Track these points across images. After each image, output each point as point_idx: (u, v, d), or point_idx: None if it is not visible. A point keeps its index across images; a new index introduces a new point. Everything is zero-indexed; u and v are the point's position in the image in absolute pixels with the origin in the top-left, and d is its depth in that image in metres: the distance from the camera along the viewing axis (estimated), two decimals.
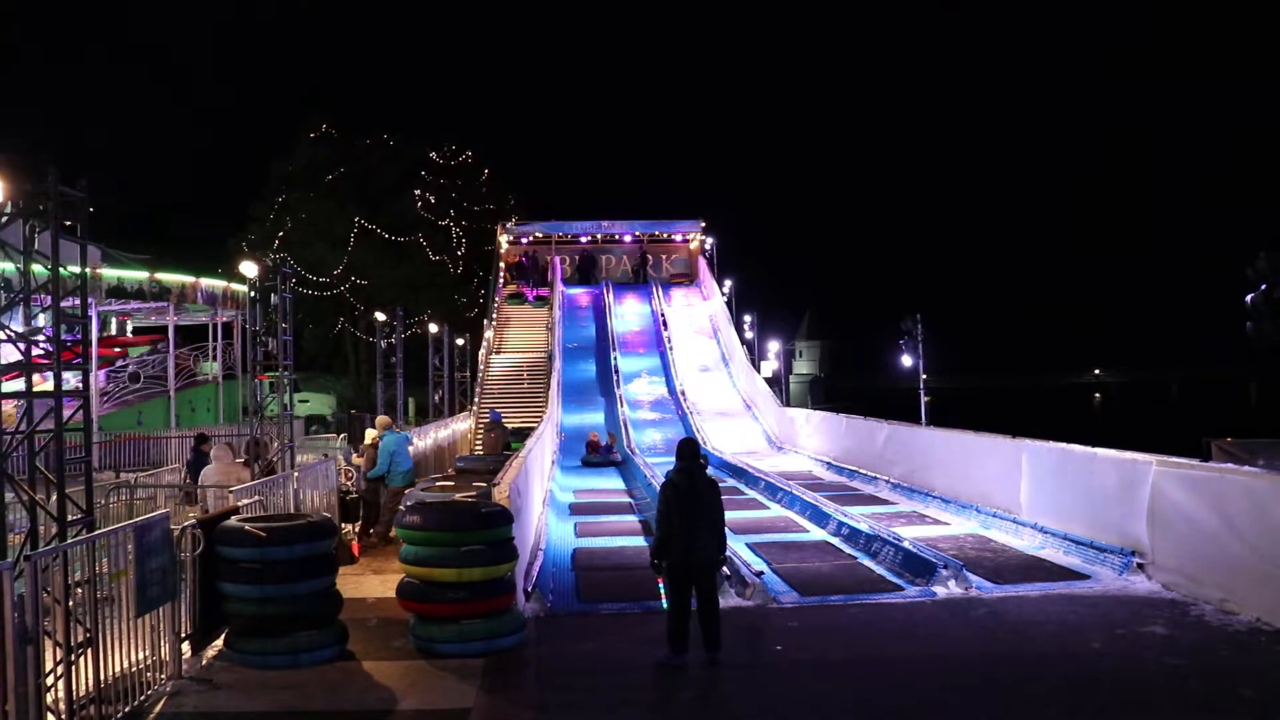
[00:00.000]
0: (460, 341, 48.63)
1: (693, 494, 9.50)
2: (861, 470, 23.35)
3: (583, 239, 53.38)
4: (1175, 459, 12.33)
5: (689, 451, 9.75)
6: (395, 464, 16.85)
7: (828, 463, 26.12)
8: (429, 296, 60.63)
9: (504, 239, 53.25)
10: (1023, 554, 14.09)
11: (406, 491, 15.74)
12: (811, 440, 29.42)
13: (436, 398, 41.97)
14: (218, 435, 24.34)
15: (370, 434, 18.75)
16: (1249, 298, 13.09)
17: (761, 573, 12.83)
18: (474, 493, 11.86)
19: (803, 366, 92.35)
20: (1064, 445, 15.18)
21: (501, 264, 52.08)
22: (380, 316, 37.38)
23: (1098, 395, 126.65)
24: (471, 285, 69.44)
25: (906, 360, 26.62)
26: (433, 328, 42.20)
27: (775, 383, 57.88)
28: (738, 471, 24.68)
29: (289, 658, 9.47)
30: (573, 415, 36.23)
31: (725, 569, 12.26)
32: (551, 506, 19.95)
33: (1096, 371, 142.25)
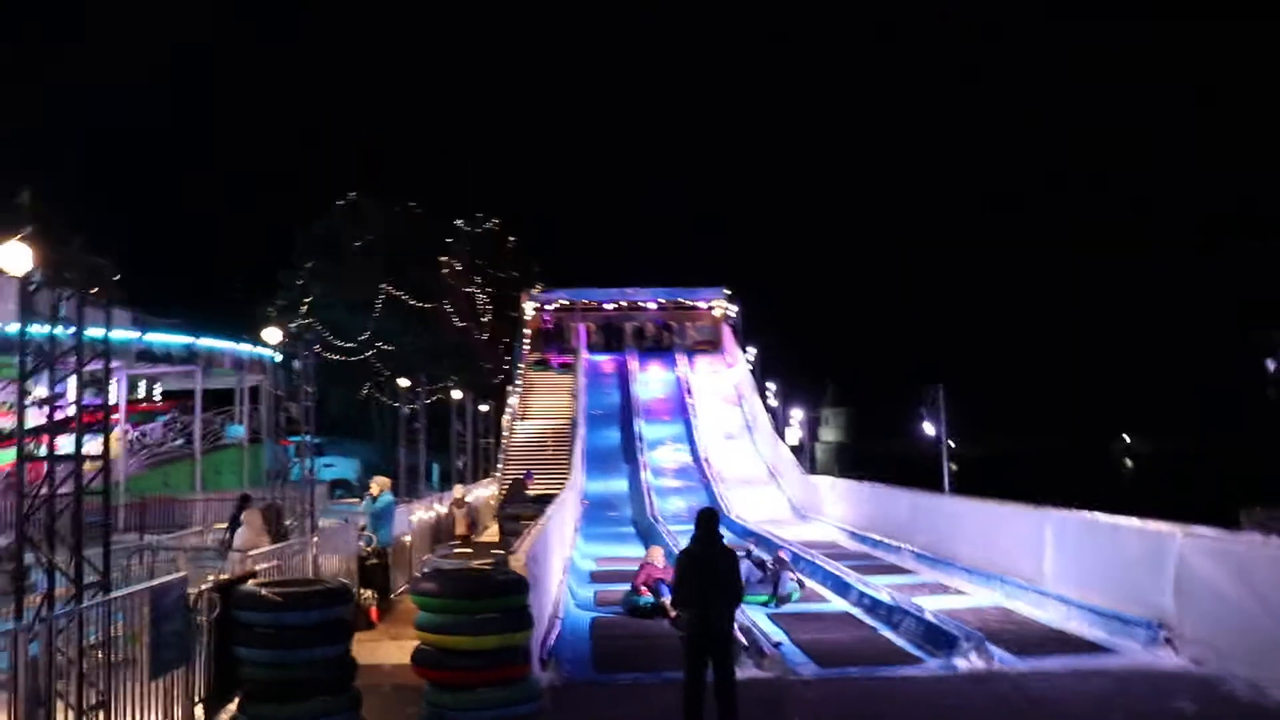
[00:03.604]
0: (484, 408, 48.72)
1: (709, 564, 9.46)
2: (884, 539, 23.14)
3: (607, 306, 53.72)
4: (1201, 529, 12.18)
5: (707, 521, 9.72)
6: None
7: (851, 531, 25.92)
8: (453, 363, 60.89)
9: (529, 306, 53.65)
10: (1046, 626, 13.90)
11: (424, 559, 15.74)
12: (835, 508, 29.24)
13: (460, 464, 41.95)
14: (260, 496, 24.42)
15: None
16: (1271, 364, 13.02)
17: (779, 643, 12.72)
18: (491, 560, 11.84)
19: (828, 434, 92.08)
20: (1088, 514, 15.03)
21: (526, 331, 52.43)
22: (404, 382, 37.54)
23: (1128, 460, 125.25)
24: (496, 352, 69.78)
25: (929, 429, 26.49)
26: (456, 394, 42.33)
27: (800, 450, 57.73)
28: (759, 540, 24.51)
29: None
30: (597, 482, 36.21)
31: (743, 639, 12.19)
32: (572, 574, 19.88)
33: (1125, 437, 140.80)
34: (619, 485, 36.19)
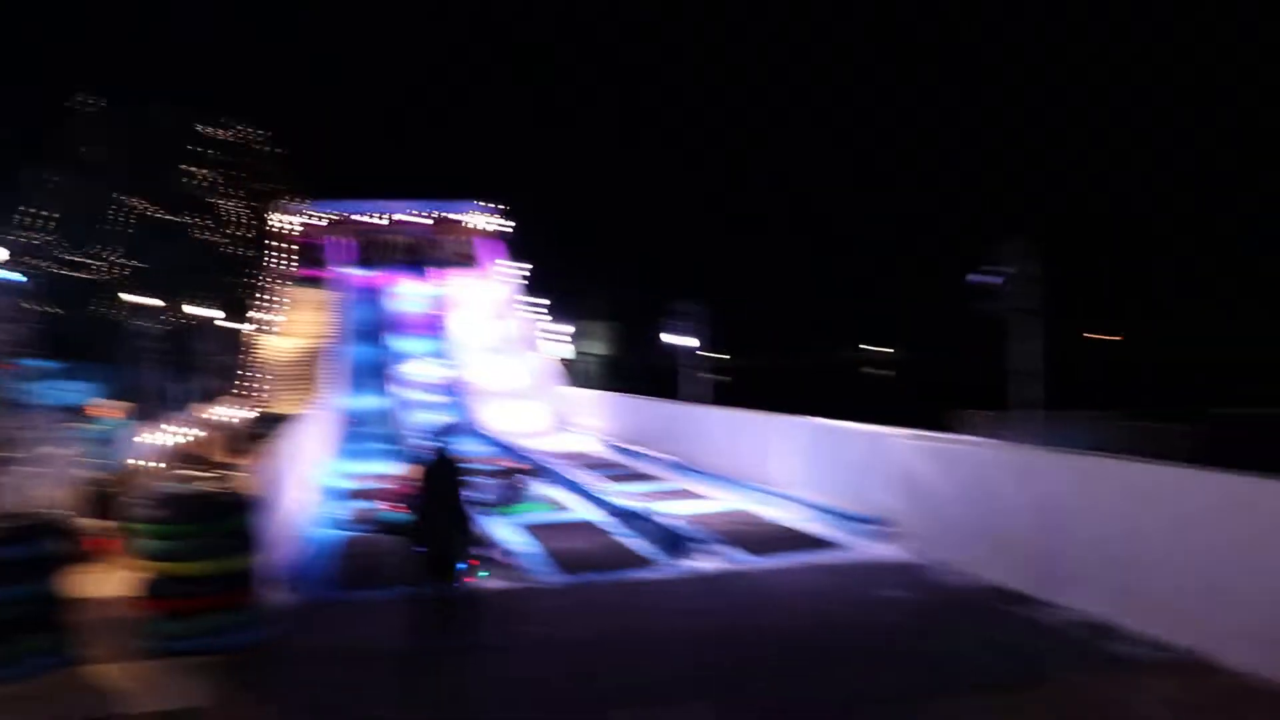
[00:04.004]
0: (239, 326, 46.85)
1: (443, 480, 9.42)
2: (638, 448, 23.68)
3: (368, 220, 52.22)
4: (918, 432, 12.96)
5: (441, 434, 9.65)
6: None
7: (608, 442, 26.40)
8: (205, 279, 58.20)
9: (286, 219, 51.59)
10: (781, 526, 14.56)
11: (152, 484, 15.06)
12: (591, 420, 29.70)
13: (210, 385, 40.28)
14: None
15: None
16: (982, 277, 13.98)
17: (524, 553, 12.85)
18: (221, 481, 11.45)
19: (595, 347, 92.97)
20: (821, 420, 15.77)
21: (283, 245, 50.50)
22: (143, 300, 35.62)
23: (872, 370, 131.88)
24: (253, 268, 66.97)
25: (687, 341, 27.11)
26: (207, 311, 40.48)
27: (568, 364, 58.11)
28: (513, 453, 24.63)
29: (10, 668, 8.89)
30: (356, 398, 35.45)
31: (486, 551, 12.25)
32: (325, 493, 19.48)
33: (870, 348, 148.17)
34: (377, 402, 35.57)
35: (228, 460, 17.40)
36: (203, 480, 12.44)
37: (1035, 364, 14.46)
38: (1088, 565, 9.53)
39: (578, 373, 51.27)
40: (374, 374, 38.46)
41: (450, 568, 9.33)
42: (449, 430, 9.82)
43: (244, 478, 11.23)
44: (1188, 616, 8.36)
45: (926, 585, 10.96)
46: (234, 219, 70.14)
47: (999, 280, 14.47)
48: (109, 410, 16.93)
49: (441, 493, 9.35)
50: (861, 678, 8.19)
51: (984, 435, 15.22)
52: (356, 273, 48.33)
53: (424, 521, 9.39)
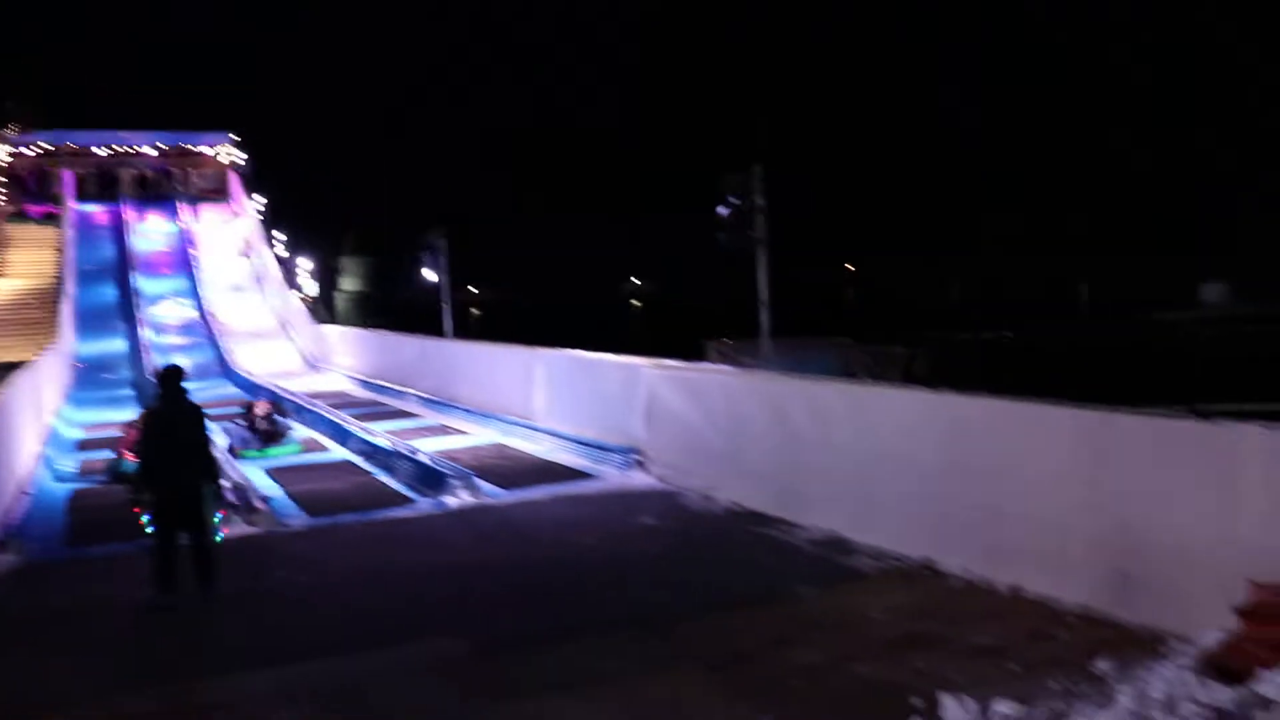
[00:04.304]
0: None
1: (174, 425, 8.98)
2: (393, 385, 23.33)
3: (99, 151, 48.86)
4: (667, 362, 13.21)
5: (169, 379, 9.17)
6: None
7: (361, 380, 25.89)
8: None
9: (2, 150, 47.65)
10: (537, 459, 14.67)
11: None
12: (346, 358, 29.04)
13: None
14: None
15: None
16: (720, 209, 14.42)
17: (270, 498, 12.49)
18: None
19: (348, 283, 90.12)
20: (573, 352, 15.90)
21: (2, 178, 46.69)
22: None
23: (635, 303, 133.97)
24: None
25: (430, 275, 26.73)
26: None
27: (318, 301, 56.33)
28: (265, 394, 23.82)
29: None
30: (91, 343, 33.40)
31: (233, 497, 11.83)
32: (54, 444, 18.34)
33: (636, 281, 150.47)
34: (117, 345, 33.62)
35: None
36: None
37: (764, 293, 15.01)
38: (825, 485, 10.00)
39: (332, 310, 49.87)
40: (112, 316, 36.33)
41: (187, 515, 8.93)
42: (176, 372, 9.29)
43: None
44: (916, 529, 8.90)
45: (676, 511, 11.27)
46: None
47: (726, 212, 14.92)
48: None
49: (178, 437, 8.92)
50: (614, 602, 8.37)
51: (728, 363, 15.70)
52: (90, 208, 45.30)
53: (148, 468, 8.95)
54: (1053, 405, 7.87)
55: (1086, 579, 7.36)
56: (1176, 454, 6.91)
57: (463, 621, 8.03)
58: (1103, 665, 6.07)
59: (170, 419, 8.97)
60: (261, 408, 16.70)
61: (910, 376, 18.92)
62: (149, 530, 8.92)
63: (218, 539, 9.16)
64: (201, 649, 7.93)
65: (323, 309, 44.87)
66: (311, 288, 48.48)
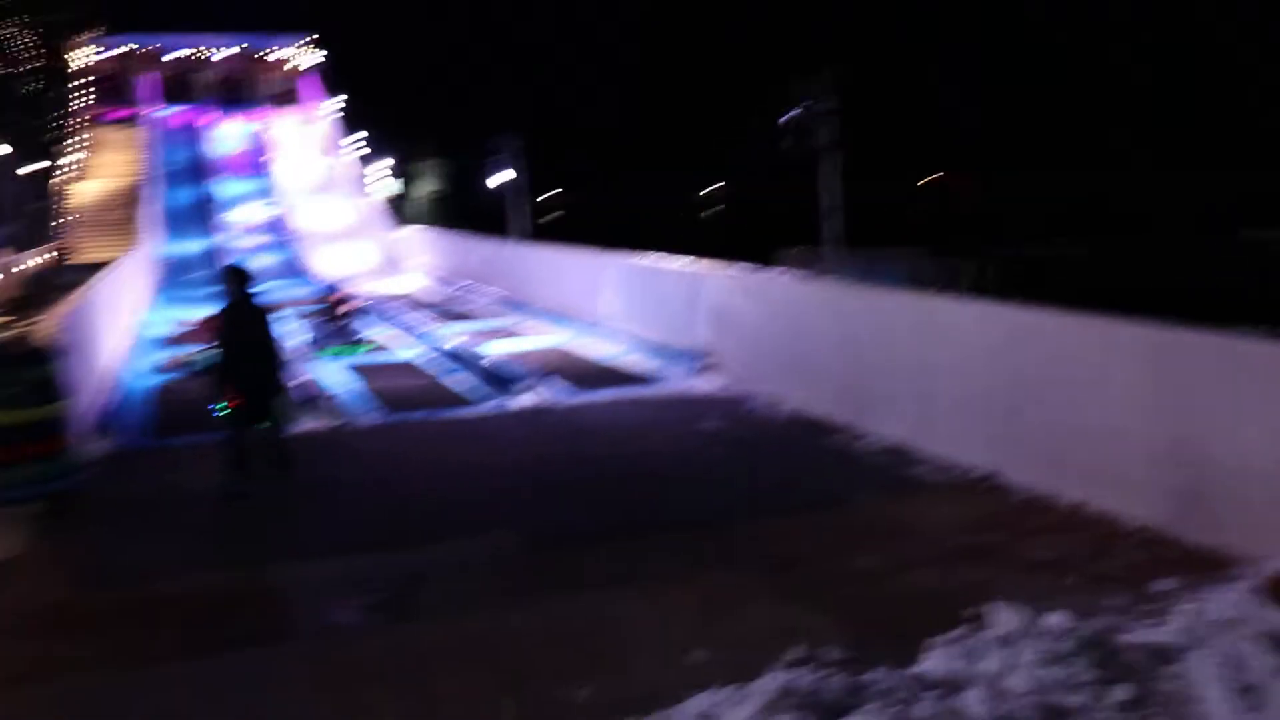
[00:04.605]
0: (36, 168, 44.11)
1: (242, 320, 9.21)
2: (468, 287, 23.58)
3: (177, 54, 49.32)
4: (732, 266, 13.16)
5: (234, 275, 9.37)
6: None
7: (438, 280, 26.18)
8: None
9: (85, 53, 48.32)
10: (605, 362, 14.81)
11: None
12: (423, 259, 29.36)
13: (16, 232, 38.05)
14: None
15: None
16: (783, 119, 14.18)
17: (343, 394, 12.77)
18: (19, 331, 10.96)
19: (428, 185, 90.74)
20: (641, 257, 15.90)
21: (83, 83, 47.41)
22: None
23: (707, 209, 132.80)
24: (47, 105, 62.67)
25: (511, 177, 26.75)
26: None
27: (401, 201, 56.74)
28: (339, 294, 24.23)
29: None
30: (174, 243, 34.12)
31: (305, 392, 12.16)
32: (142, 339, 18.94)
33: (712, 188, 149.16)
34: (197, 246, 34.30)
35: (30, 309, 16.60)
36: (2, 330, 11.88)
37: (836, 200, 14.77)
38: (890, 394, 9.96)
39: (409, 212, 50.24)
40: (193, 217, 37.00)
41: (262, 408, 9.21)
42: (239, 271, 9.49)
43: (47, 327, 10.78)
44: (979, 441, 8.85)
45: (740, 416, 11.31)
46: (26, 52, 65.06)
47: (796, 114, 14.63)
48: None
49: (249, 333, 9.15)
50: (673, 503, 8.50)
51: (797, 270, 15.62)
52: (169, 111, 45.89)
53: (221, 363, 9.21)
54: (1119, 320, 7.73)
55: (1150, 498, 7.28)
56: (1245, 374, 6.76)
57: (521, 517, 8.20)
58: (1162, 585, 6.04)
59: (238, 316, 9.18)
60: (340, 304, 17.00)
61: (979, 289, 18.68)
62: (223, 422, 9.23)
63: (287, 431, 9.45)
64: (273, 535, 8.23)
65: (402, 210, 45.25)
66: (391, 189, 48.83)
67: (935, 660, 4.52)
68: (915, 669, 4.57)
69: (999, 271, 20.32)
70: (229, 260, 30.97)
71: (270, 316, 9.42)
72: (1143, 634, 4.83)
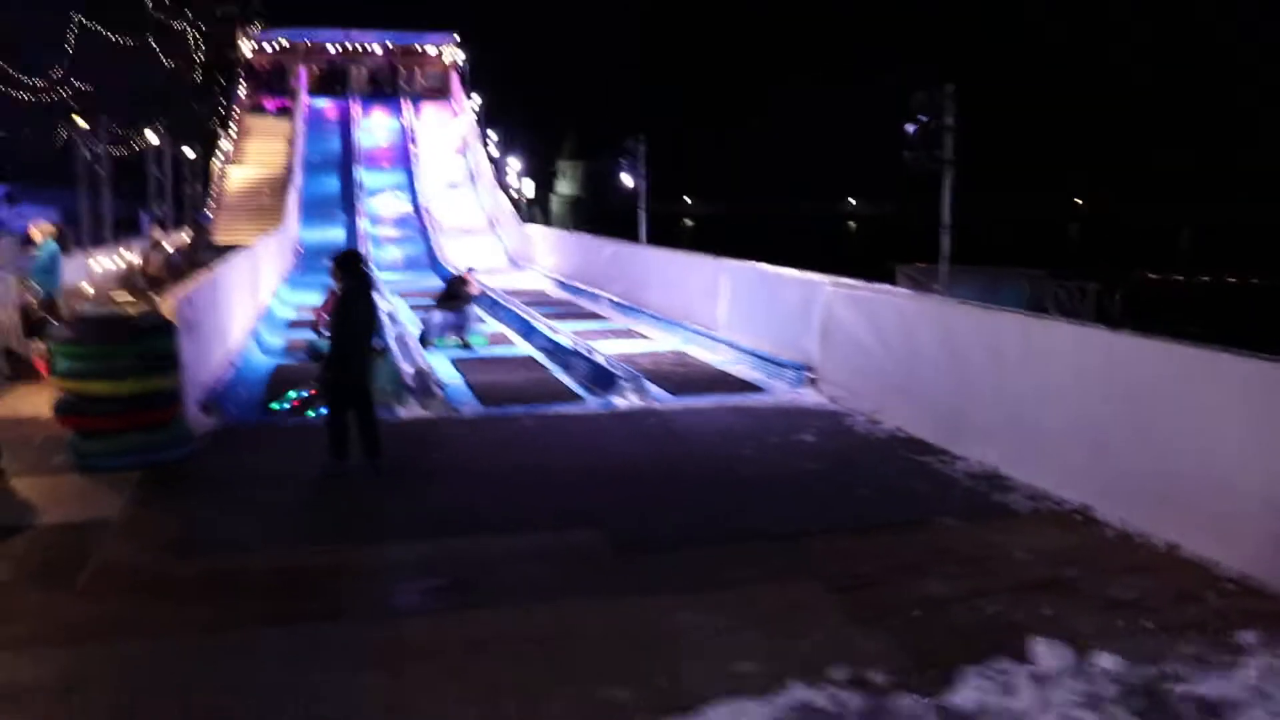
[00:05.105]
0: (193, 154, 45.94)
1: (350, 307, 9.44)
2: (587, 288, 23.76)
3: (330, 48, 50.97)
4: (846, 280, 12.99)
5: (349, 262, 9.61)
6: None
7: (559, 280, 26.46)
8: (161, 107, 56.58)
9: (246, 45, 50.28)
10: (712, 369, 14.75)
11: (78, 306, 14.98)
12: (548, 258, 29.66)
13: (160, 211, 39.65)
14: None
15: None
16: (908, 127, 13.89)
17: (447, 385, 12.98)
18: (145, 305, 11.43)
19: (564, 187, 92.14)
20: (756, 265, 15.81)
21: (243, 72, 49.32)
22: (85, 125, 34.80)
23: (851, 224, 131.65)
24: (209, 95, 65.29)
25: (628, 180, 26.86)
26: (152, 137, 39.58)
27: (535, 203, 57.49)
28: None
29: None
30: (313, 230, 35.20)
31: (413, 381, 12.42)
32: (267, 321, 19.55)
33: (851, 201, 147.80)
34: (336, 234, 35.33)
35: (163, 286, 17.27)
36: (129, 304, 12.39)
37: (946, 216, 14.45)
38: (990, 419, 9.72)
39: (546, 212, 50.95)
40: (334, 205, 38.13)
41: (356, 392, 9.43)
42: (353, 256, 9.73)
43: (171, 301, 11.21)
44: (1079, 473, 8.56)
45: (839, 431, 11.17)
46: (191, 45, 67.90)
47: (913, 130, 14.37)
48: (44, 231, 16.63)
49: (355, 317, 9.38)
50: (758, 514, 8.42)
51: (915, 287, 15.32)
52: (320, 103, 47.40)
53: (336, 347, 9.46)
54: (1234, 354, 7.38)
55: (1251, 544, 6.93)
56: None
57: (605, 516, 8.21)
58: (1245, 637, 5.76)
59: (347, 302, 9.42)
60: (464, 285, 17.30)
61: (1103, 314, 18.07)
62: (310, 406, 9.50)
63: (383, 417, 9.66)
64: (358, 517, 8.40)
65: (536, 210, 45.83)
66: (527, 189, 49.49)
67: (967, 692, 4.39)
68: (945, 699, 4.43)
69: (1124, 297, 19.60)
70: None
71: (373, 302, 9.62)
72: (1203, 685, 4.61)
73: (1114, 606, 6.41)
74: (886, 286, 12.54)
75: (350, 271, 9.53)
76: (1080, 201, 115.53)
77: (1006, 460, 9.35)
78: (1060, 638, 5.59)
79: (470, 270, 18.87)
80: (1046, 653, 4.77)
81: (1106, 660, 4.68)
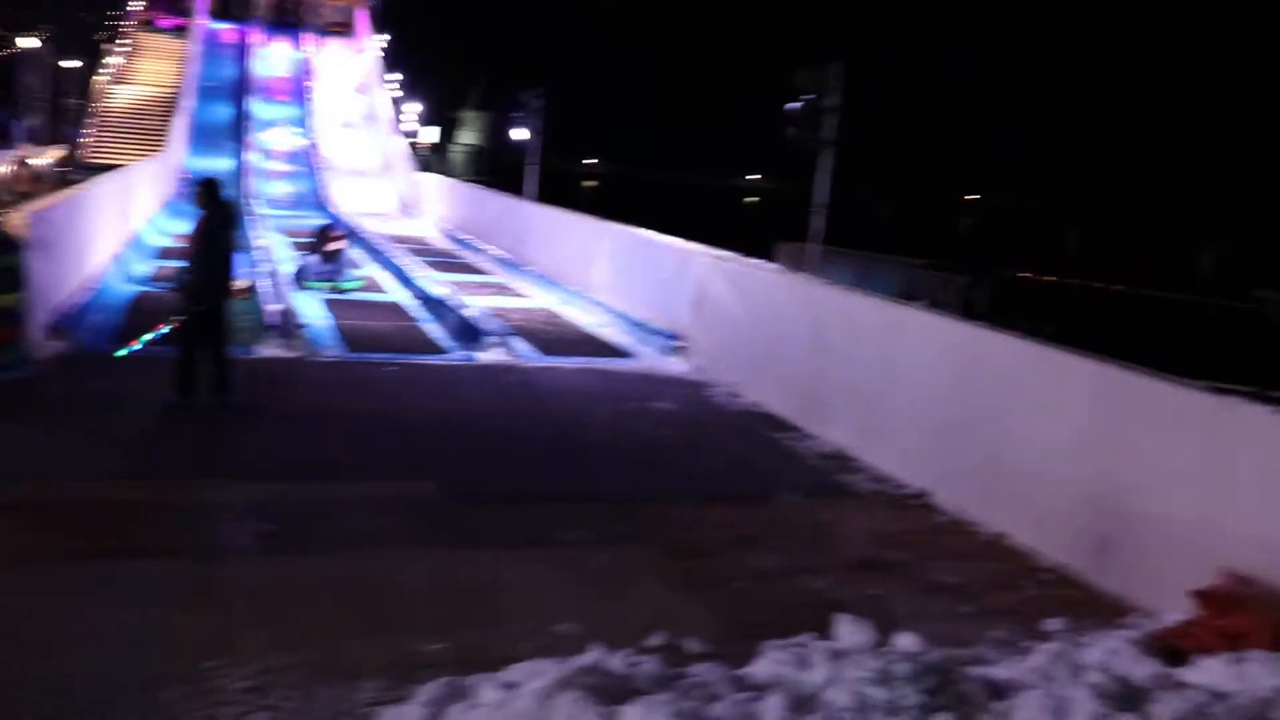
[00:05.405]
0: (77, 64, 44.07)
1: (215, 240, 9.18)
2: (473, 240, 23.53)
3: None
4: (721, 252, 13.02)
5: (208, 191, 9.33)
6: None
7: (447, 231, 26.16)
8: (39, 12, 54.02)
9: None
10: (583, 330, 14.72)
11: None
12: (438, 207, 29.31)
13: (32, 123, 37.99)
14: None
15: None
16: (789, 106, 13.97)
17: (312, 326, 12.73)
18: None
19: (468, 137, 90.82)
20: (637, 231, 15.79)
21: None
22: None
23: (751, 199, 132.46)
24: (102, 6, 62.62)
25: (522, 133, 26.60)
26: (27, 41, 37.71)
27: (437, 151, 56.63)
28: (349, 232, 24.20)
29: None
30: (201, 159, 34.08)
31: (278, 320, 12.15)
32: (138, 248, 18.95)
33: (753, 177, 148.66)
34: (224, 164, 34.27)
35: (23, 201, 16.60)
36: None
37: (823, 196, 14.59)
38: (845, 400, 9.83)
39: (443, 161, 50.15)
40: (224, 135, 36.98)
41: (209, 326, 9.18)
42: (213, 184, 9.44)
43: (24, 216, 10.74)
44: (922, 458, 8.72)
45: (698, 402, 11.22)
46: None
47: (797, 106, 14.43)
48: None
49: (211, 247, 9.12)
50: (604, 477, 8.45)
51: (791, 265, 15.46)
52: (219, 26, 45.83)
53: (191, 276, 9.19)
54: (1072, 353, 7.58)
55: (1070, 537, 7.16)
56: (1181, 425, 6.62)
57: (448, 469, 8.16)
58: (1051, 624, 5.95)
59: (205, 231, 9.15)
60: (329, 242, 16.87)
61: (969, 308, 18.54)
62: (172, 337, 9.25)
63: (237, 354, 9.44)
64: (195, 454, 8.20)
65: (438, 158, 45.10)
66: (429, 135, 48.66)
67: (766, 664, 4.44)
68: (745, 669, 4.49)
69: (990, 291, 20.10)
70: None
71: (232, 235, 9.37)
72: (996, 669, 4.73)
73: (935, 590, 6.57)
74: (758, 262, 12.58)
75: (211, 199, 9.26)
76: (976, 197, 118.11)
77: (856, 442, 9.49)
78: (873, 617, 5.72)
79: (333, 226, 18.07)
80: (848, 630, 4.85)
81: (907, 640, 4.77)
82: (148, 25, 45.19)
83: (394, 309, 15.33)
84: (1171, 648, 5.39)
